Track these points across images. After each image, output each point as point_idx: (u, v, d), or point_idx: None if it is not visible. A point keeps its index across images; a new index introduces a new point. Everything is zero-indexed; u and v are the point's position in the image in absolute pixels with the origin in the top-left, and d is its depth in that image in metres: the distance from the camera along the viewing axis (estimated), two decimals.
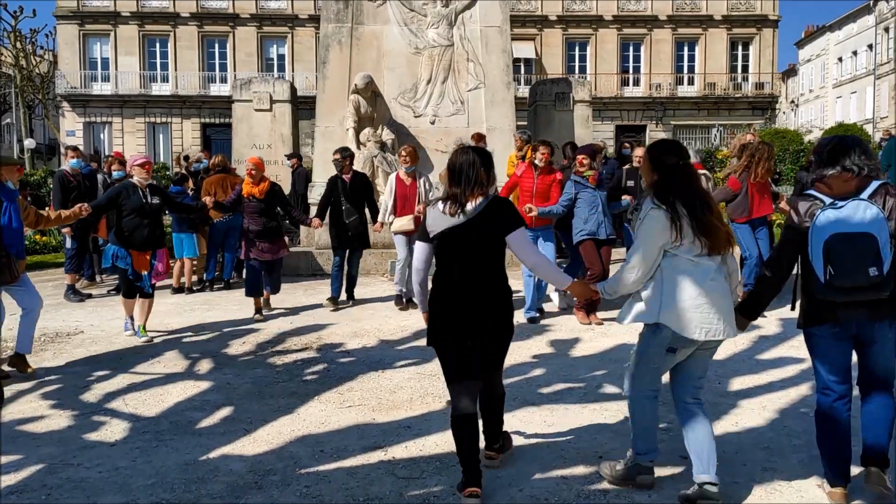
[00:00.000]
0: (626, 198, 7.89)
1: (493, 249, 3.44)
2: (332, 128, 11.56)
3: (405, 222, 7.95)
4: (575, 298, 7.28)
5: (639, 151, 9.77)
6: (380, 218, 8.23)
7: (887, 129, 27.64)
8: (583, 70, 35.84)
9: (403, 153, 8.23)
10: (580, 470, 3.76)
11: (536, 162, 7.47)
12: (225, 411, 4.79)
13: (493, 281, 3.44)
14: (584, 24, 35.77)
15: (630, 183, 9.37)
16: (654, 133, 35.58)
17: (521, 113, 14.29)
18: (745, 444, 4.08)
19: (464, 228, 3.36)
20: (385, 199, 8.32)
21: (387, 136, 11.30)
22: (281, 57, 35.69)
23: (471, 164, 3.43)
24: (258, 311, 7.79)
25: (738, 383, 5.17)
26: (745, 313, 3.52)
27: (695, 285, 3.24)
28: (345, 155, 8.38)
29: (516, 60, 33.86)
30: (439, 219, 3.42)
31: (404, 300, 8.09)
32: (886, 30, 47.31)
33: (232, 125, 14.02)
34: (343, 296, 8.43)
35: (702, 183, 3.62)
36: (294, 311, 8.07)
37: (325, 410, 4.76)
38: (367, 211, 8.48)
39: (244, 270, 8.51)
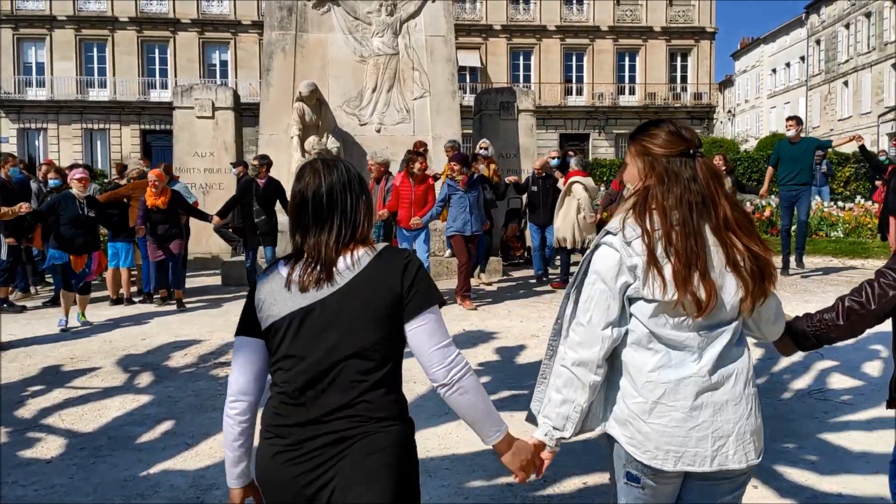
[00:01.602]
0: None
1: (385, 348, 1.87)
2: (277, 135, 11.46)
3: None
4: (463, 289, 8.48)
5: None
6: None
7: (820, 138, 28.61)
8: (527, 79, 36.26)
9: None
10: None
11: (414, 171, 8.58)
12: (166, 425, 4.69)
13: (380, 410, 1.86)
14: (528, 34, 36.21)
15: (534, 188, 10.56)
16: (597, 142, 36.23)
17: (466, 121, 14.41)
18: None
19: (330, 310, 1.84)
20: None
21: (332, 144, 11.25)
22: (224, 63, 35.19)
23: (343, 187, 1.93)
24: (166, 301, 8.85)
25: None
26: (800, 341, 2.33)
27: (669, 373, 1.92)
28: (262, 162, 9.53)
29: (461, 69, 34.09)
30: (280, 295, 1.88)
31: None
32: (818, 42, 49.15)
33: (173, 132, 13.77)
34: None
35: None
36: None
37: None
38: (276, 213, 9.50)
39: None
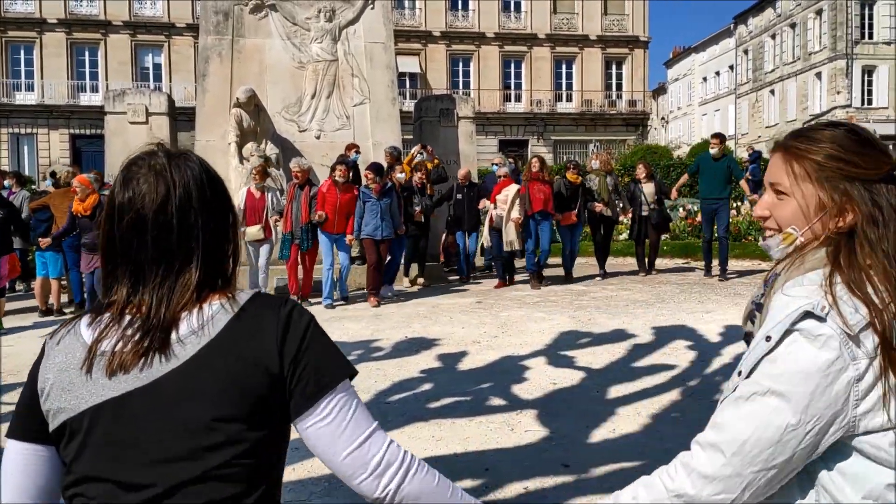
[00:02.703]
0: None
1: (254, 460, 1.16)
2: (214, 142, 11.28)
3: (256, 231, 9.04)
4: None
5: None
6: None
7: (749, 144, 29.61)
8: (466, 85, 36.52)
9: (254, 172, 9.38)
10: (468, 483, 3.83)
11: (337, 179, 9.11)
12: None
13: None
14: (467, 41, 36.49)
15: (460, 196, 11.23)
16: (536, 148, 36.68)
17: (406, 127, 14.44)
18: (622, 450, 4.28)
19: (161, 402, 1.14)
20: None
21: (271, 150, 11.14)
22: (157, 66, 34.42)
23: (203, 197, 1.24)
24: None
25: (614, 391, 5.41)
26: None
27: None
28: None
29: (401, 75, 34.14)
30: (76, 377, 1.17)
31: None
32: (745, 52, 50.86)
33: (105, 137, 13.41)
34: None
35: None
36: None
37: None
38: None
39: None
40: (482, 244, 11.45)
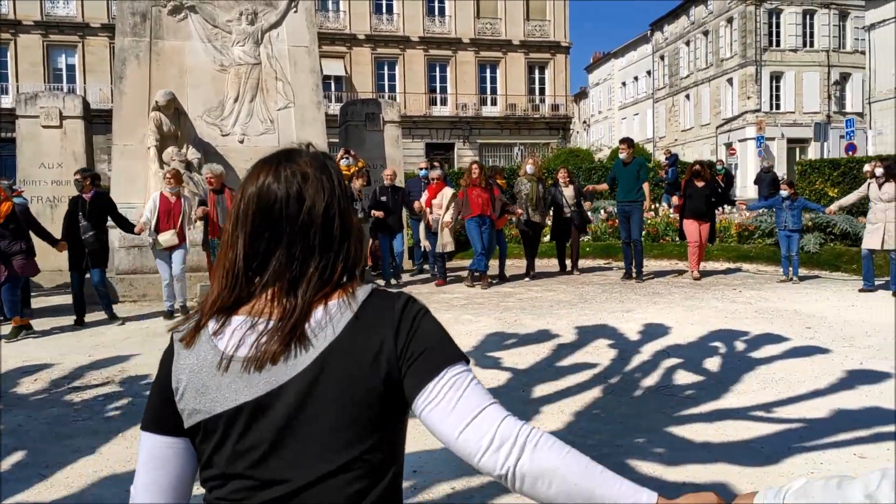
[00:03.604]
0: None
1: (382, 453, 1.22)
2: (132, 146, 10.98)
3: (169, 237, 8.59)
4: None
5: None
6: (142, 220, 8.73)
7: (667, 148, 30.58)
8: (392, 88, 36.52)
9: (168, 175, 8.94)
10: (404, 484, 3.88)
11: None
12: (17, 456, 4.43)
13: None
14: (392, 44, 36.50)
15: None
16: (462, 151, 36.98)
17: (332, 130, 14.37)
18: None
19: (295, 402, 1.18)
20: (147, 216, 8.73)
21: (192, 154, 10.92)
22: (71, 67, 33.16)
23: (340, 195, 1.28)
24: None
25: (539, 390, 5.55)
26: None
27: None
28: (85, 175, 8.82)
29: (326, 78, 33.87)
30: (211, 377, 1.21)
31: (175, 307, 8.72)
32: (662, 58, 52.51)
33: (16, 142, 12.87)
34: (103, 315, 8.70)
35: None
36: (94, 343, 7.59)
37: (130, 448, 4.53)
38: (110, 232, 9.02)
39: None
40: (422, 247, 11.70)
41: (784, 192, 10.68)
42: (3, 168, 21.94)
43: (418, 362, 1.19)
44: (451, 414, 1.16)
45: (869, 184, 9.72)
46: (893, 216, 9.32)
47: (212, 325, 1.23)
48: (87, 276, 8.75)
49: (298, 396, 1.17)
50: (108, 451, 4.49)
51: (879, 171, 9.54)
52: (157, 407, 1.26)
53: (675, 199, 11.69)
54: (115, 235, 9.72)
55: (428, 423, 1.19)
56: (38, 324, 8.40)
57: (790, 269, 10.64)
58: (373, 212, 10.81)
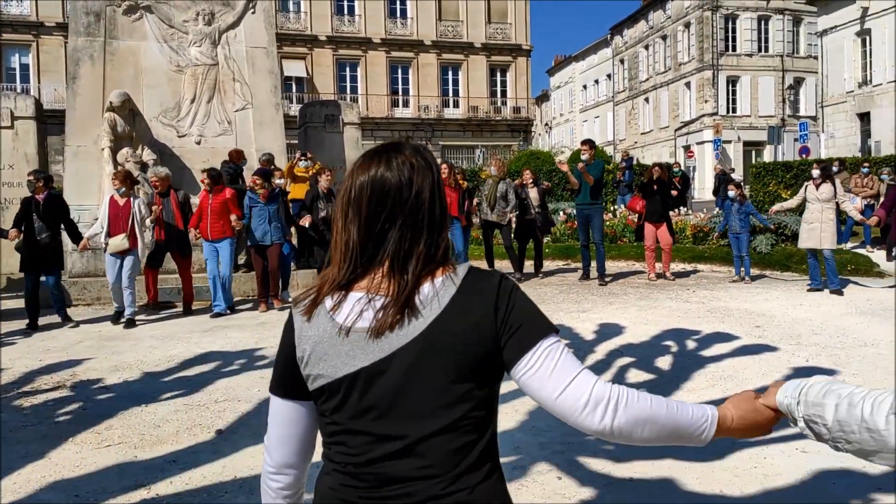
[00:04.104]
0: None
1: (482, 413, 1.38)
2: (86, 147, 10.82)
3: (120, 241, 8.47)
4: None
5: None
6: (87, 234, 8.73)
7: (625, 150, 30.97)
8: (354, 90, 36.41)
9: (114, 177, 8.80)
10: None
11: (205, 187, 9.10)
12: None
13: (483, 498, 1.37)
14: (354, 46, 36.39)
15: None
16: None
17: (293, 132, 14.30)
18: (501, 447, 4.46)
19: (407, 367, 1.34)
20: (100, 220, 8.69)
21: (147, 156, 10.79)
22: (24, 66, 32.44)
23: (434, 182, 1.43)
24: None
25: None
26: None
27: None
28: (38, 176, 8.72)
29: (287, 79, 33.66)
30: (332, 346, 1.37)
31: (124, 317, 8.59)
32: (622, 62, 53.16)
33: None
34: (56, 318, 8.64)
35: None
36: (45, 347, 7.46)
37: (80, 452, 4.48)
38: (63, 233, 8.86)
39: None
40: None
41: (731, 193, 10.92)
42: None
43: (517, 334, 1.34)
44: (549, 380, 1.32)
45: (806, 186, 9.96)
46: (830, 216, 9.59)
47: (329, 302, 1.39)
48: (42, 279, 8.58)
49: (411, 361, 1.32)
50: (58, 456, 4.44)
51: (816, 172, 9.79)
52: (283, 374, 1.44)
53: (635, 203, 11.66)
54: (68, 238, 9.57)
55: (527, 389, 1.36)
56: None
57: (742, 269, 10.89)
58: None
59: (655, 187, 11.01)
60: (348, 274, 1.39)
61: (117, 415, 5.20)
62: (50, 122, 14.21)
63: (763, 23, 42.63)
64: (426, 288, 1.35)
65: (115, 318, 8.72)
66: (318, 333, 1.37)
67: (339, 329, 1.35)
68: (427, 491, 1.32)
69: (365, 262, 1.38)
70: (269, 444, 1.49)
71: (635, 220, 11.98)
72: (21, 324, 8.49)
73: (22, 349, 7.37)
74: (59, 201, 8.84)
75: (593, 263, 11.17)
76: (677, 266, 12.74)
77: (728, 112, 42.36)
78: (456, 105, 38.11)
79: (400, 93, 37.46)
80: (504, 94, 38.91)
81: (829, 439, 1.34)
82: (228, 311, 9.14)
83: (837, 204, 9.80)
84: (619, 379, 5.90)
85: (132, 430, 4.89)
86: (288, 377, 1.42)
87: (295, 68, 34.77)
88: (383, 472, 1.33)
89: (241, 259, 10.86)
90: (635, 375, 6.00)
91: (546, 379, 1.33)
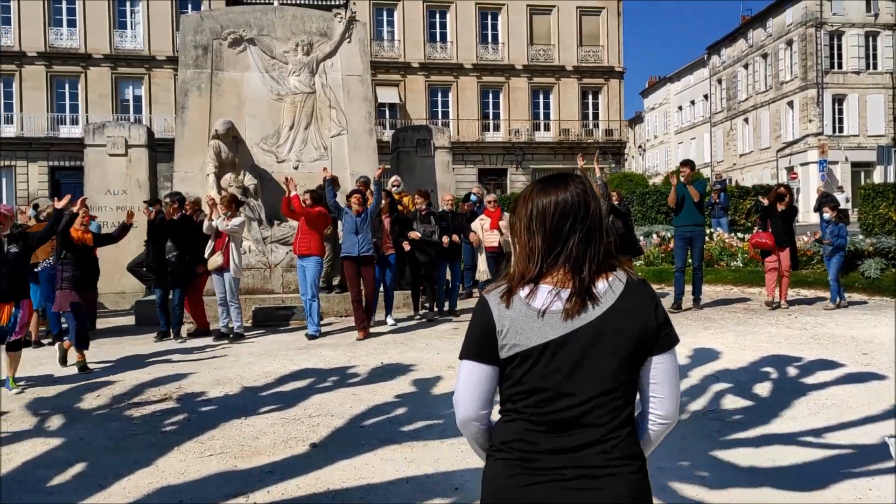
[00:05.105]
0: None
1: (631, 386, 1.80)
2: (192, 173, 11.41)
3: (216, 259, 9.02)
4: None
5: None
6: (206, 257, 9.26)
7: (719, 172, 30.11)
8: (445, 115, 36.92)
9: (222, 205, 9.16)
10: (437, 501, 3.95)
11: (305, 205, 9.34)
12: (78, 468, 4.64)
13: (627, 449, 1.77)
14: (446, 72, 36.96)
15: None
16: (515, 176, 37.08)
17: (385, 157, 14.64)
18: None
19: (585, 342, 1.75)
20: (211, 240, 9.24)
21: (249, 181, 11.28)
22: (137, 98, 34.51)
23: (596, 198, 1.86)
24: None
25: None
26: None
27: None
28: (172, 198, 9.57)
29: (381, 105, 34.49)
30: (527, 323, 1.76)
31: (229, 331, 9.09)
32: (719, 81, 51.85)
33: (84, 170, 13.48)
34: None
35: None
36: (153, 362, 7.87)
37: (184, 461, 4.71)
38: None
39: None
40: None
41: (826, 215, 10.40)
42: (73, 195, 22.83)
43: (663, 337, 1.79)
44: (672, 373, 1.82)
45: None
46: None
47: (522, 292, 1.78)
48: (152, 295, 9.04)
49: (587, 338, 1.73)
50: (164, 463, 4.68)
51: None
52: (480, 342, 1.80)
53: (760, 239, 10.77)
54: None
55: (656, 371, 1.80)
56: (103, 343, 8.75)
57: (837, 295, 10.26)
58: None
59: (782, 208, 10.37)
60: (535, 272, 1.78)
61: (219, 426, 5.43)
62: (160, 150, 15.07)
63: (871, 39, 40.78)
64: (600, 284, 1.77)
65: (218, 335, 9.11)
66: (516, 314, 1.76)
67: (538, 312, 1.74)
68: (591, 436, 1.74)
69: (549, 263, 1.78)
70: (464, 400, 1.84)
71: (758, 253, 11.30)
72: (132, 340, 8.99)
73: (132, 362, 7.76)
74: (187, 222, 9.39)
75: (688, 288, 10.63)
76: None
77: (834, 132, 40.58)
78: (547, 128, 38.05)
79: (490, 117, 37.72)
80: (596, 116, 38.59)
81: None
82: (319, 333, 9.02)
83: None
84: (714, 405, 5.74)
85: (232, 440, 5.10)
86: (485, 345, 1.79)
87: (388, 95, 35.59)
88: (561, 418, 1.74)
89: (336, 280, 11.15)
90: (732, 402, 5.81)
91: (671, 373, 1.81)
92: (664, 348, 1.80)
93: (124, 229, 8.96)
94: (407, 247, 10.10)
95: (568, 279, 1.77)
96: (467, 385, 1.83)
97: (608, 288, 1.77)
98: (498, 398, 1.84)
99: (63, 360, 7.69)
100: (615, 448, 1.75)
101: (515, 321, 1.76)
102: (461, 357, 1.84)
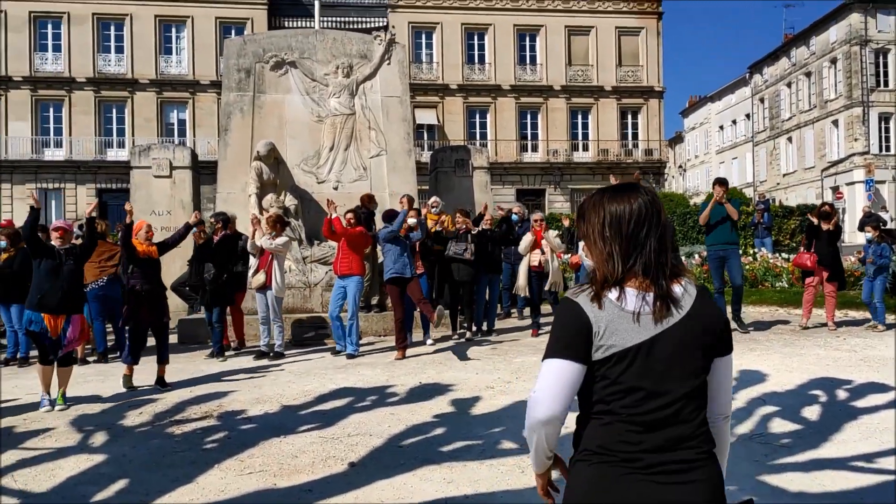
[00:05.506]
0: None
1: (706, 378, 1.92)
2: (234, 194, 11.59)
3: (259, 277, 9.09)
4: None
5: None
6: (250, 276, 9.30)
7: (762, 192, 29.63)
8: (483, 136, 37.03)
9: (268, 224, 9.22)
10: None
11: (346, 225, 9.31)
12: (120, 484, 4.69)
13: (710, 443, 1.91)
14: (484, 93, 37.13)
15: None
16: (553, 196, 36.96)
17: (424, 178, 14.70)
18: None
19: (674, 342, 1.85)
20: (252, 260, 9.35)
21: (290, 201, 11.41)
22: (182, 122, 35.33)
23: (660, 216, 1.94)
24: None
25: None
26: None
27: None
28: (217, 218, 9.76)
29: (419, 126, 34.75)
30: (621, 325, 1.85)
31: (266, 352, 9.15)
32: (762, 100, 51.19)
33: (130, 191, 13.79)
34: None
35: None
36: (195, 379, 7.95)
37: (224, 478, 4.73)
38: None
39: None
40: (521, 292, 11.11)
41: (868, 234, 10.14)
42: (120, 217, 23.35)
43: (727, 338, 1.94)
44: (730, 373, 1.99)
45: None
46: None
47: (611, 294, 1.87)
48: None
49: (676, 338, 1.84)
50: (205, 480, 4.70)
51: None
52: (574, 341, 1.85)
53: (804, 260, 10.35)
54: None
55: (719, 370, 1.94)
56: (146, 360, 8.86)
57: (884, 315, 9.97)
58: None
59: (827, 227, 10.10)
60: (617, 275, 1.87)
61: (258, 444, 5.45)
62: (203, 172, 15.34)
63: None
64: (676, 289, 1.88)
65: (259, 354, 9.18)
66: (610, 315, 1.84)
67: (632, 314, 1.84)
68: (683, 431, 1.85)
69: (628, 267, 1.87)
70: (542, 398, 1.87)
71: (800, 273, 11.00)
72: (176, 358, 9.09)
73: (174, 379, 7.85)
74: (230, 242, 9.53)
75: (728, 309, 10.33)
76: (823, 311, 11.94)
77: (881, 150, 39.73)
78: (585, 148, 37.91)
79: (529, 137, 37.73)
80: (635, 136, 38.36)
81: None
82: (357, 352, 9.01)
83: None
84: (761, 428, 5.58)
85: (272, 458, 5.11)
86: (578, 344, 1.84)
87: (427, 116, 35.84)
88: (656, 417, 1.83)
89: (374, 299, 11.18)
90: (779, 425, 5.65)
91: (729, 372, 1.99)
92: (728, 350, 1.95)
93: (187, 228, 8.59)
94: (420, 269, 9.79)
95: (648, 283, 1.86)
96: (556, 383, 1.86)
97: (684, 292, 1.88)
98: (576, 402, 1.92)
99: (128, 384, 7.52)
100: (702, 443, 1.87)
101: (611, 322, 1.84)
102: (548, 356, 1.88)
